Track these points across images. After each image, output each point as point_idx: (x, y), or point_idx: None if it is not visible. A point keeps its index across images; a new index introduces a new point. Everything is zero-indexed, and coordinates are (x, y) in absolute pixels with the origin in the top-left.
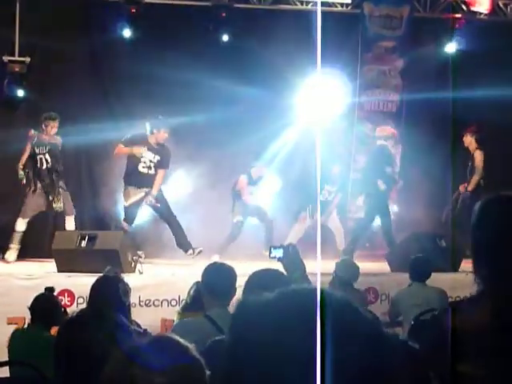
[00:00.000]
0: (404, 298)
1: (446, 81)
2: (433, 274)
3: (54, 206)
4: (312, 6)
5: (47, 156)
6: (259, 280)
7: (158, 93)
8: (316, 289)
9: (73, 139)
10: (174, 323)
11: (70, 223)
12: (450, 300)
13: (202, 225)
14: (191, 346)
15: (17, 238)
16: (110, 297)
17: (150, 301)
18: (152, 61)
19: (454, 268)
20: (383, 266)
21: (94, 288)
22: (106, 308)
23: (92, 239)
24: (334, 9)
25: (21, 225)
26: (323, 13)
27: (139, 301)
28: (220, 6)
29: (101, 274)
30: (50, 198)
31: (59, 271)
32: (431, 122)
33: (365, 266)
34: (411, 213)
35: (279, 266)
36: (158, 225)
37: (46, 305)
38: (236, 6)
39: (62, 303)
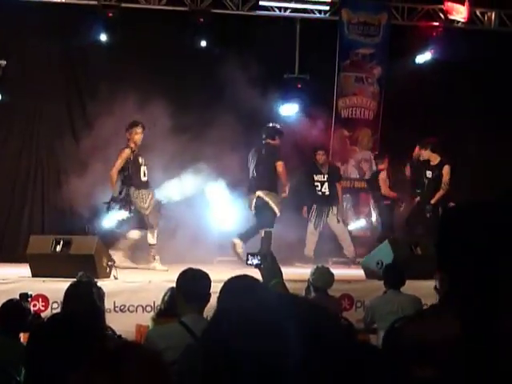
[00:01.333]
0: (379, 305)
1: (423, 89)
2: (408, 282)
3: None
4: (290, 12)
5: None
6: (234, 287)
7: (135, 97)
8: (289, 296)
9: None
10: (149, 329)
11: (151, 238)
12: (424, 307)
13: None
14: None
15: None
16: (83, 302)
17: (125, 306)
18: (128, 65)
19: (429, 275)
20: (358, 273)
21: (67, 293)
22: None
23: (67, 244)
24: (312, 15)
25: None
26: (301, 20)
27: (114, 306)
28: (197, 12)
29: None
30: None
31: (34, 275)
32: (408, 129)
33: (340, 272)
34: (389, 220)
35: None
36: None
37: (12, 312)
38: (214, 11)
39: (36, 308)
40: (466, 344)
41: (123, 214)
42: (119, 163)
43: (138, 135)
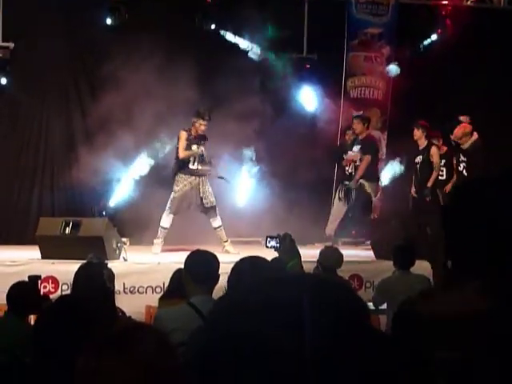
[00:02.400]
0: (388, 285)
1: (431, 68)
2: (417, 262)
3: (204, 201)
4: None
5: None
6: (243, 267)
7: (139, 81)
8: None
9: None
10: (157, 310)
11: (217, 221)
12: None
13: None
14: None
15: (162, 233)
16: (93, 283)
17: (134, 288)
18: (133, 47)
19: (439, 255)
20: (368, 254)
21: (77, 274)
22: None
23: (76, 226)
24: None
25: (168, 221)
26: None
27: (123, 288)
28: None
29: (84, 261)
30: (201, 193)
31: (43, 258)
32: (418, 110)
33: (349, 253)
34: (397, 200)
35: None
36: (143, 210)
37: (20, 293)
38: None
39: (47, 290)
40: (498, 319)
41: None
42: (182, 145)
43: (201, 127)
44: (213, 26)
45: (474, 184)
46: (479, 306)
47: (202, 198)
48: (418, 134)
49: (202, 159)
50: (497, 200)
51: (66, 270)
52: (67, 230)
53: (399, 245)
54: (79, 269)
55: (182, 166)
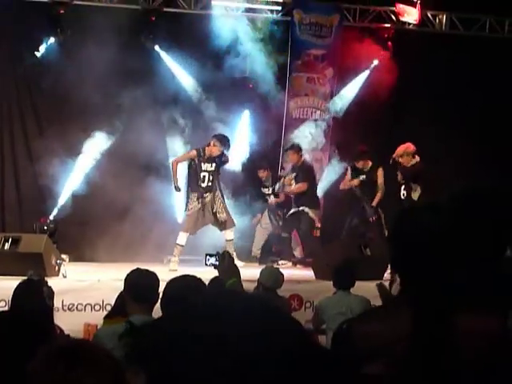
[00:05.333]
0: (328, 305)
1: (375, 89)
2: (357, 283)
3: (218, 216)
4: (242, 12)
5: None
6: (175, 290)
7: (83, 94)
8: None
9: None
10: (98, 328)
11: (230, 234)
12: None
13: None
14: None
15: (178, 250)
16: (33, 300)
17: (73, 305)
18: (79, 62)
19: (379, 276)
20: (308, 274)
21: (16, 291)
22: (28, 312)
23: (15, 242)
24: (265, 15)
25: (183, 238)
26: (254, 19)
27: (62, 305)
28: (149, 10)
29: (24, 277)
30: (214, 209)
31: None
32: (362, 131)
33: (289, 273)
34: (338, 221)
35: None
36: (83, 229)
37: None
38: (166, 10)
39: None
40: (418, 342)
41: None
42: (182, 156)
43: (214, 148)
44: (156, 47)
45: (416, 210)
46: (404, 331)
47: (215, 214)
48: (358, 164)
49: (212, 177)
50: (434, 226)
51: (3, 286)
52: (6, 246)
53: (339, 265)
54: (18, 285)
55: (193, 185)
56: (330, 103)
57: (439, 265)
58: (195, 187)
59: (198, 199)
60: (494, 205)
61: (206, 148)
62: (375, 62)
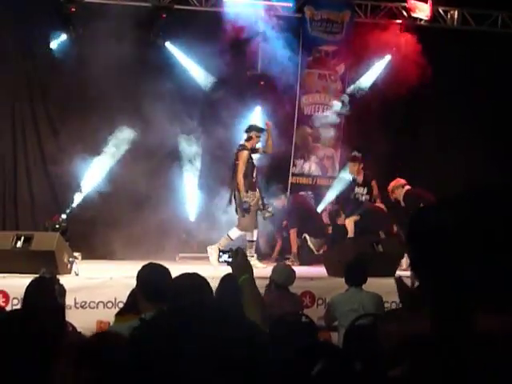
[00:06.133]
0: (340, 302)
1: (387, 86)
2: (369, 279)
3: (266, 214)
4: (253, 9)
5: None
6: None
7: (95, 92)
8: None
9: None
10: (109, 326)
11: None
12: (386, 305)
13: None
14: None
15: (250, 245)
16: (45, 298)
17: (85, 303)
18: (91, 60)
19: (391, 273)
20: (320, 271)
21: (28, 289)
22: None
23: (28, 240)
24: (276, 12)
25: (254, 235)
26: (265, 16)
27: (75, 303)
28: (160, 8)
29: (36, 275)
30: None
31: None
32: (372, 127)
33: (302, 269)
34: None
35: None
36: (95, 226)
37: None
38: (176, 7)
39: None
40: (436, 343)
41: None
42: (241, 166)
43: (257, 140)
44: (167, 43)
45: (431, 208)
46: (423, 331)
47: (264, 206)
48: (353, 168)
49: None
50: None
51: (16, 283)
52: (18, 244)
53: (351, 262)
54: (31, 283)
55: (250, 182)
56: (341, 99)
57: (455, 262)
58: (252, 184)
59: (254, 196)
60: (506, 201)
61: (247, 143)
62: (387, 58)
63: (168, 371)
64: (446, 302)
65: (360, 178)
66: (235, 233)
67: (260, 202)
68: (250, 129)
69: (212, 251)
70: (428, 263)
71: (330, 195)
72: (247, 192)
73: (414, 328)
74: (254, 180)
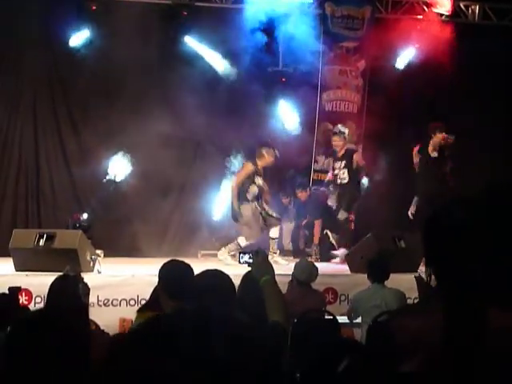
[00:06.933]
0: (363, 299)
1: (408, 82)
2: (392, 275)
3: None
4: (274, 6)
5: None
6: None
7: (116, 90)
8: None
9: None
10: (133, 323)
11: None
12: (408, 301)
13: None
14: None
15: (273, 243)
16: (68, 297)
17: (108, 300)
18: (112, 57)
19: (413, 269)
20: (343, 267)
21: (52, 287)
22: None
23: (50, 238)
24: (297, 8)
25: (275, 232)
26: (286, 13)
27: (97, 300)
28: (181, 5)
29: (60, 273)
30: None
31: (17, 270)
32: (393, 124)
33: (324, 266)
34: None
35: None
36: (118, 224)
37: (1, 305)
38: (197, 4)
39: (19, 302)
40: (450, 338)
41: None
42: (241, 177)
43: (271, 158)
44: (186, 38)
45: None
46: (440, 327)
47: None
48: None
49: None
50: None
51: (39, 282)
52: (41, 242)
53: (373, 258)
54: (54, 281)
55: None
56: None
57: (470, 260)
58: (246, 197)
59: (251, 207)
60: None
61: (258, 160)
62: (409, 53)
63: (163, 371)
64: (460, 298)
65: (341, 153)
66: (242, 241)
67: (261, 213)
68: (260, 145)
69: (222, 256)
70: (443, 260)
71: None
72: (242, 203)
73: (427, 323)
74: (255, 195)
